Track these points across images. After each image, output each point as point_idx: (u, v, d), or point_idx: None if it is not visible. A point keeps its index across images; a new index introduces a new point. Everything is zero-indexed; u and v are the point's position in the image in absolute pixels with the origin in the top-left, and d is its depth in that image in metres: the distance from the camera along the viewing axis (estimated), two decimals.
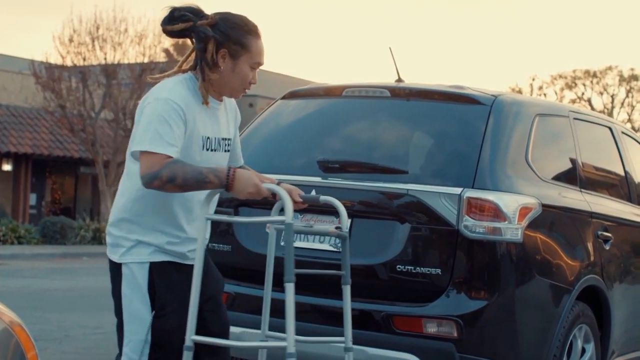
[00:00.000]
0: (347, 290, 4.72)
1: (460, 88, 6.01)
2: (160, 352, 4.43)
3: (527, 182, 5.71)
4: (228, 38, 4.37)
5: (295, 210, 5.64)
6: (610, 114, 61.67)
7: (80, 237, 28.34)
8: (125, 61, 31.76)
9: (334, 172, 5.79)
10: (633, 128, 61.94)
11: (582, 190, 6.32)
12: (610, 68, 63.81)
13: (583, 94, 64.23)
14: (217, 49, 4.37)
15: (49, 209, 33.47)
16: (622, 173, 7.17)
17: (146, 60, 31.97)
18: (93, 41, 31.47)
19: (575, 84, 64.12)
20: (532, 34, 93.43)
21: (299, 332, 5.62)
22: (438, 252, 5.44)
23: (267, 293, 4.97)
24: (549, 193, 5.84)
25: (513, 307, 5.44)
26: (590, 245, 6.17)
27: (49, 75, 30.95)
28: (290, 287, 4.39)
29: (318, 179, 5.77)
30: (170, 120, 4.24)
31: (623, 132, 7.48)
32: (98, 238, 28.63)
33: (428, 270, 5.40)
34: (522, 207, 5.48)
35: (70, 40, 31.51)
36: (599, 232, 6.29)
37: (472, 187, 5.43)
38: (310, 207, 5.71)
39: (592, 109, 60.52)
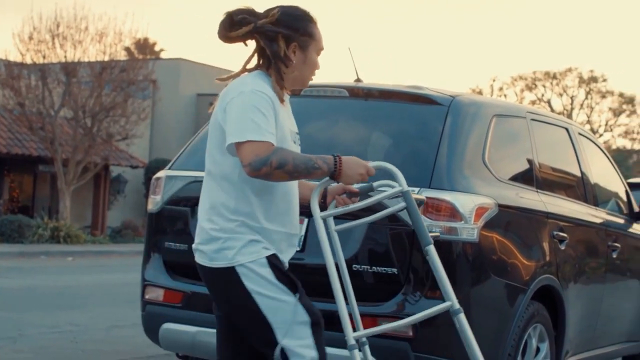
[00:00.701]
0: (431, 250, 4.50)
1: (418, 88, 6.03)
2: (319, 328, 4.32)
3: (483, 182, 5.74)
4: (296, 31, 4.32)
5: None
6: (570, 115, 62.10)
7: (38, 236, 28.13)
8: (86, 59, 31.59)
9: None
10: (592, 129, 62.42)
11: (539, 190, 6.36)
12: (570, 70, 64.30)
13: (543, 95, 64.67)
14: (287, 43, 4.31)
15: (6, 207, 33.20)
16: (578, 174, 7.22)
17: (106, 58, 31.83)
18: (53, 39, 31.28)
19: (535, 86, 64.54)
20: (493, 35, 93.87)
21: None
22: (395, 251, 5.45)
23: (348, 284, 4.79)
24: (505, 193, 5.87)
25: (468, 307, 5.44)
26: (545, 245, 6.20)
27: (8, 73, 30.70)
28: (432, 249, 4.46)
29: None
30: (263, 110, 4.14)
31: (580, 134, 7.54)
32: (56, 237, 28.45)
33: (384, 270, 5.41)
34: (478, 207, 5.50)
35: (30, 38, 31.31)
36: (555, 233, 6.33)
37: (429, 187, 5.44)
38: None
39: (552, 110, 60.90)
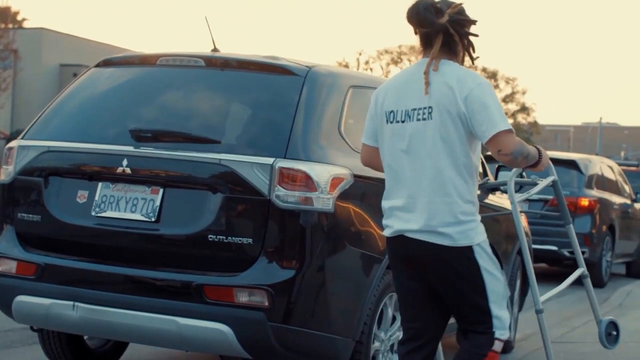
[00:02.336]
0: (571, 229, 5.79)
1: (275, 59, 6.03)
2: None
3: (339, 152, 5.78)
4: (472, 22, 4.73)
5: (108, 180, 5.60)
6: None
7: None
8: None
9: (146, 142, 5.72)
10: None
11: None
12: None
13: None
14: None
15: None
16: None
17: None
18: None
19: (401, 59, 65.28)
20: (360, 8, 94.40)
21: (109, 303, 5.60)
22: (250, 222, 5.45)
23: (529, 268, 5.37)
24: (361, 164, 5.90)
25: (324, 276, 5.50)
26: None
27: None
28: (571, 228, 5.79)
29: (130, 148, 5.70)
30: None
31: None
32: None
33: (240, 240, 5.41)
34: (333, 178, 5.54)
35: None
36: None
37: (285, 158, 5.45)
38: (120, 177, 5.66)
39: None
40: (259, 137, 5.68)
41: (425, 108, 4.57)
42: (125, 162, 5.63)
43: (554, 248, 11.42)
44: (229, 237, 5.42)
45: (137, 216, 5.62)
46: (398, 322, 6.26)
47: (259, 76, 5.94)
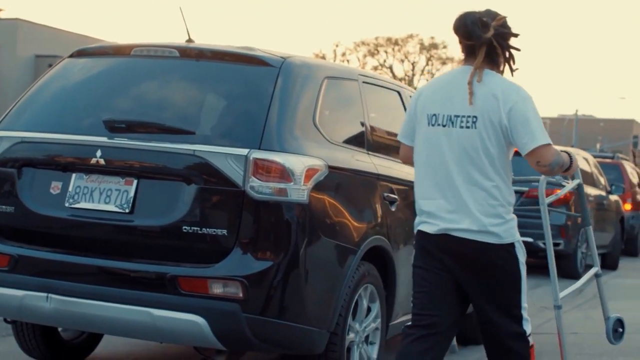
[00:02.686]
0: (589, 230, 6.43)
1: (249, 49, 6.01)
2: None
3: (314, 144, 5.77)
4: (514, 35, 5.00)
5: (82, 171, 5.57)
6: (411, 81, 63.06)
7: None
8: None
9: (120, 132, 5.70)
10: None
11: (370, 152, 6.43)
12: (411, 36, 65.31)
13: (385, 61, 65.51)
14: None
15: None
16: None
17: None
18: None
19: (378, 51, 65.34)
20: (337, 0, 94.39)
21: (84, 295, 5.57)
22: (224, 213, 5.44)
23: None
24: (336, 155, 5.92)
25: (298, 268, 5.49)
26: (376, 207, 6.28)
27: None
28: (590, 229, 6.41)
29: (104, 139, 5.67)
30: None
31: (412, 97, 7.61)
32: None
33: (214, 231, 5.39)
34: (308, 169, 5.53)
35: None
36: (385, 194, 6.42)
37: (259, 149, 5.44)
38: (94, 168, 5.64)
39: (394, 76, 61.80)
40: (234, 128, 5.66)
41: (469, 117, 4.84)
42: (99, 153, 5.61)
43: (530, 240, 11.49)
44: (204, 229, 5.40)
45: (111, 207, 5.59)
46: (374, 313, 6.27)
47: (234, 67, 5.92)
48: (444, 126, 4.89)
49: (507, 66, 5.01)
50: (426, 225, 4.94)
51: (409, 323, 5.03)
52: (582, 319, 9.69)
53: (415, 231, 5.04)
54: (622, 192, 20.39)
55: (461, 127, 4.85)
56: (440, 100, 4.94)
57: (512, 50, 4.98)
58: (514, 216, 4.92)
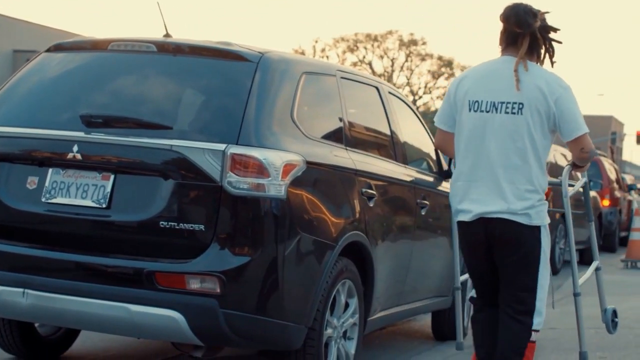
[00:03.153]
0: (592, 225, 6.80)
1: (227, 44, 5.99)
2: None
3: (292, 139, 5.76)
4: (556, 29, 5.43)
5: (58, 166, 5.56)
6: (390, 77, 63.06)
7: None
8: None
9: (97, 127, 5.68)
10: (412, 91, 63.58)
11: (348, 148, 6.42)
12: (390, 32, 65.29)
13: (364, 57, 65.48)
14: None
15: None
16: (388, 132, 7.32)
17: None
18: None
19: (357, 47, 65.33)
20: None
21: (60, 291, 5.54)
22: (202, 208, 5.42)
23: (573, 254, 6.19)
24: (314, 151, 5.91)
25: (276, 263, 5.48)
26: (354, 203, 6.27)
27: None
28: (592, 225, 6.82)
29: (81, 133, 5.65)
30: None
31: (390, 93, 7.63)
32: None
33: (192, 227, 5.38)
34: (286, 164, 5.52)
35: None
36: (364, 190, 6.41)
37: (237, 144, 5.43)
38: (71, 163, 5.61)
39: (373, 72, 61.81)
40: (211, 123, 5.65)
41: (515, 103, 5.25)
42: (75, 148, 5.58)
43: None
44: (181, 224, 5.39)
45: (88, 202, 5.57)
46: (352, 308, 6.27)
47: (212, 62, 5.90)
48: (487, 112, 5.29)
49: (546, 58, 5.43)
50: (462, 214, 5.42)
51: (474, 295, 5.71)
52: (559, 314, 9.72)
53: (454, 219, 5.57)
54: (600, 188, 20.48)
55: (506, 112, 5.26)
56: (483, 88, 5.32)
57: (554, 43, 5.41)
58: (546, 202, 5.33)
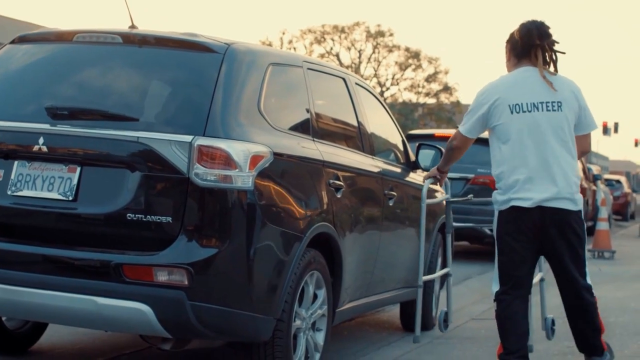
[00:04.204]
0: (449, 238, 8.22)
1: (193, 36, 5.97)
2: None
3: (259, 130, 5.75)
4: (557, 42, 6.17)
5: (24, 158, 5.51)
6: (358, 69, 63.07)
7: None
8: None
9: (63, 119, 5.65)
10: (379, 83, 63.60)
11: (315, 139, 6.41)
12: (358, 24, 65.26)
13: (332, 48, 65.44)
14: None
15: None
16: (355, 124, 7.32)
17: None
18: None
19: (324, 39, 65.27)
20: None
21: (27, 284, 5.51)
22: (169, 200, 5.41)
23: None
24: (281, 142, 5.90)
25: (244, 255, 5.47)
26: (322, 194, 6.27)
27: None
28: (449, 237, 8.22)
29: (46, 126, 5.62)
30: None
31: (357, 84, 7.63)
32: None
33: (159, 219, 5.36)
34: (253, 156, 5.51)
35: None
36: (331, 181, 6.41)
37: (204, 135, 5.41)
38: (37, 155, 5.58)
39: (341, 63, 61.76)
40: (178, 115, 5.63)
41: (554, 102, 6.02)
42: (41, 140, 5.55)
43: (471, 225, 11.61)
44: (148, 216, 5.37)
45: (54, 195, 5.54)
46: (320, 300, 6.27)
47: (178, 53, 5.88)
48: (529, 112, 5.99)
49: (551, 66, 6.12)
50: (519, 201, 5.97)
51: (498, 289, 6.13)
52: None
53: (501, 208, 6.07)
54: None
55: (547, 110, 5.99)
56: (519, 92, 6.02)
57: (558, 54, 6.13)
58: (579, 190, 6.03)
